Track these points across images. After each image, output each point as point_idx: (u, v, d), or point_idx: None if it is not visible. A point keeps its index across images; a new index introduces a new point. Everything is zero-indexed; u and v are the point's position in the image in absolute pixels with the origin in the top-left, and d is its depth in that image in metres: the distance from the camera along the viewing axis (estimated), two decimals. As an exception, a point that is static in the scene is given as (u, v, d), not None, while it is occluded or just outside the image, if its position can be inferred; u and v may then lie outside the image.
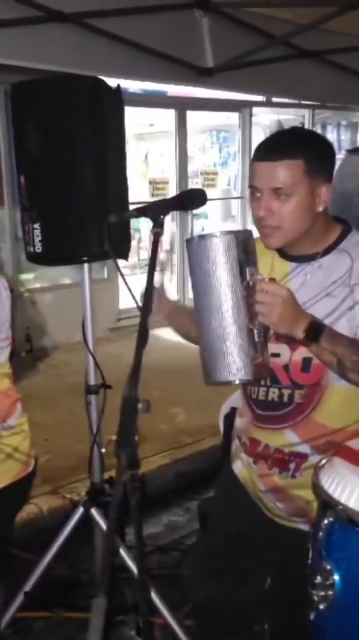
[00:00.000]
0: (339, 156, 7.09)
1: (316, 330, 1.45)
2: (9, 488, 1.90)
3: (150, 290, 1.38)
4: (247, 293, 1.40)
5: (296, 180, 1.51)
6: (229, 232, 1.41)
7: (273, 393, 1.64)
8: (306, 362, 1.58)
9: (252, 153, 1.60)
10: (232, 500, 1.82)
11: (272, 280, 1.47)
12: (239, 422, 1.81)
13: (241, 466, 1.78)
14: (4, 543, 2.04)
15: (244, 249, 1.40)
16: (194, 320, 1.75)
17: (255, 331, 1.42)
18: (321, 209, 1.57)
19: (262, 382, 1.65)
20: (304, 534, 1.63)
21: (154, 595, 2.38)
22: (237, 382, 1.44)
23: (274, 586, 1.80)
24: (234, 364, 1.40)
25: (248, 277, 1.40)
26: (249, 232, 1.48)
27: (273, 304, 1.41)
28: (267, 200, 1.54)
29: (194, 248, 1.42)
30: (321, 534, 1.28)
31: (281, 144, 1.57)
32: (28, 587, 2.42)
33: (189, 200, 1.65)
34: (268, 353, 1.49)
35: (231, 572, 1.76)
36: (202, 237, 1.42)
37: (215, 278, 1.39)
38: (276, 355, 1.59)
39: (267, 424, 1.67)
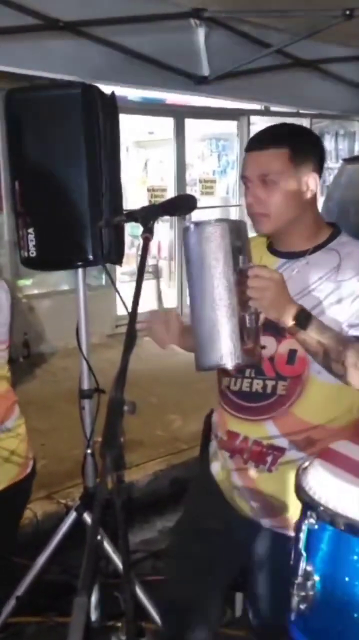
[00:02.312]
0: (337, 165, 7.13)
1: (305, 318, 1.47)
2: (7, 491, 1.92)
3: (139, 294, 1.40)
4: (239, 280, 1.42)
5: (281, 168, 1.58)
6: (224, 220, 1.45)
7: (257, 384, 1.65)
8: (292, 353, 1.60)
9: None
10: (205, 498, 1.83)
11: (264, 267, 1.49)
12: (215, 417, 1.82)
13: (218, 467, 1.78)
14: (5, 549, 2.04)
15: (237, 237, 1.44)
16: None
17: (246, 317, 1.44)
18: (309, 196, 1.62)
19: (247, 374, 1.67)
20: (277, 536, 1.65)
21: (146, 601, 2.38)
22: (226, 366, 1.44)
23: (250, 584, 1.81)
24: (224, 348, 1.41)
25: (241, 264, 1.43)
26: (244, 222, 1.52)
27: (264, 288, 1.43)
28: (255, 188, 1.61)
29: (190, 235, 1.46)
30: (301, 535, 1.29)
31: (268, 135, 1.67)
32: (20, 591, 2.42)
33: (179, 205, 1.68)
34: (260, 341, 1.51)
35: (199, 570, 1.76)
36: (197, 224, 1.45)
37: (208, 264, 1.42)
38: (262, 347, 1.59)
39: (248, 415, 1.68)
